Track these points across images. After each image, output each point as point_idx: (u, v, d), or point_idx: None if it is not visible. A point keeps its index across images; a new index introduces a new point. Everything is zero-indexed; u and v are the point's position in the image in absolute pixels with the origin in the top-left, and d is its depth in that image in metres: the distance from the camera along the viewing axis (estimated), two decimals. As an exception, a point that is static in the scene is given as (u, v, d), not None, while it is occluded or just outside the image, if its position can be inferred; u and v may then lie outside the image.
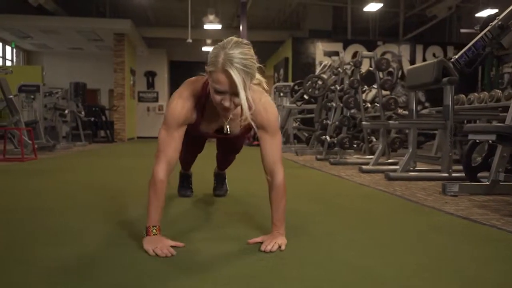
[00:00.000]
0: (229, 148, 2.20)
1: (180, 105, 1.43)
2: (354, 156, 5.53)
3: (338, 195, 2.67)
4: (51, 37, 12.10)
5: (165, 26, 14.06)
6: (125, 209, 2.10)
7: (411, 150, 3.47)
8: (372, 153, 5.38)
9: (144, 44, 13.77)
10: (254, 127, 1.48)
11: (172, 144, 1.43)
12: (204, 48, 14.87)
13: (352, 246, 1.45)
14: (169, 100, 1.48)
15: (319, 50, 11.87)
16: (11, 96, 6.17)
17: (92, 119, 10.03)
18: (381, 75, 4.81)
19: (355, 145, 5.93)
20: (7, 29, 11.05)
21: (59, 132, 8.11)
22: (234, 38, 1.31)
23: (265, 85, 1.52)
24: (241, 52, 1.25)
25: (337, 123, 4.94)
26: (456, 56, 2.67)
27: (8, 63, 13.04)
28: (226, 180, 2.50)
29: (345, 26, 12.50)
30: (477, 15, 10.75)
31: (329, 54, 11.78)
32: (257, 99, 1.43)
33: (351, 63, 4.94)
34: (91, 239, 1.49)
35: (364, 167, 3.91)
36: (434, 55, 12.17)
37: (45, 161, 4.97)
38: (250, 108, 1.31)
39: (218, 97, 1.30)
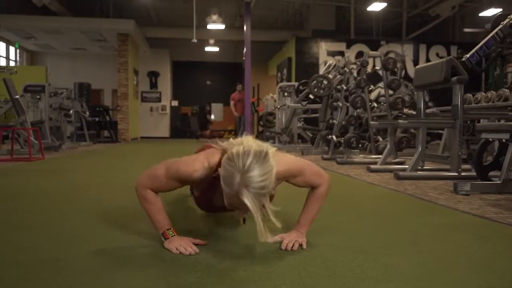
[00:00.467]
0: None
1: (190, 172, 1.35)
2: (360, 155, 5.54)
3: (351, 194, 2.67)
4: (54, 37, 12.12)
5: (168, 26, 14.08)
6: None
7: (420, 149, 3.48)
8: (378, 153, 5.39)
9: (147, 44, 13.79)
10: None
11: (163, 187, 1.40)
12: (207, 48, 14.88)
13: (376, 243, 1.46)
14: (192, 157, 1.42)
15: (323, 50, 11.88)
16: (17, 97, 6.20)
17: (97, 119, 10.04)
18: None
19: (360, 145, 5.93)
20: (11, 29, 11.06)
21: (64, 132, 8.13)
22: (252, 151, 1.17)
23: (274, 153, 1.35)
24: (258, 174, 1.14)
25: (343, 122, 4.94)
26: (468, 55, 2.67)
27: (12, 64, 13.06)
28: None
29: (348, 25, 12.50)
30: (481, 14, 10.76)
31: (332, 54, 11.78)
32: (278, 171, 1.28)
33: (358, 62, 4.94)
34: (108, 240, 1.50)
35: (372, 166, 3.92)
36: (437, 54, 12.17)
37: (52, 161, 4.99)
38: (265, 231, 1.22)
39: (230, 207, 1.24)
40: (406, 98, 7.95)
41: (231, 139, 1.36)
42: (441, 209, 2.14)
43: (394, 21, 13.01)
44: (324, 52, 11.87)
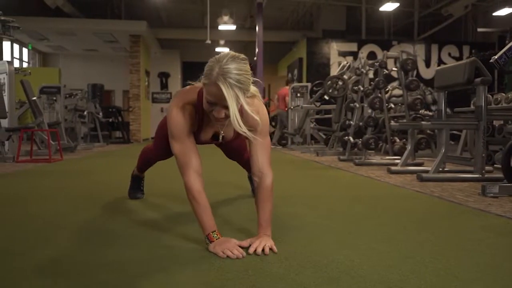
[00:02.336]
0: (235, 152, 2.19)
1: (180, 114, 1.43)
2: (375, 156, 5.51)
3: (376, 196, 2.66)
4: (67, 39, 12.22)
5: (178, 27, 14.14)
6: (164, 210, 2.13)
7: (443, 151, 3.46)
8: (396, 154, 5.37)
9: (158, 45, 13.86)
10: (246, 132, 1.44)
11: (191, 154, 1.44)
12: (218, 49, 14.91)
13: (420, 247, 1.45)
14: (168, 113, 1.47)
15: (334, 50, 11.86)
16: (34, 98, 6.25)
17: (110, 120, 10.10)
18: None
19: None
20: (25, 31, 11.17)
21: (78, 133, 8.19)
22: (231, 53, 1.32)
23: (259, 99, 1.51)
24: (235, 67, 1.26)
25: (361, 123, 4.93)
26: (496, 57, 2.65)
27: (25, 65, 13.19)
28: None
29: (359, 26, 12.46)
30: (494, 14, 10.67)
31: (343, 54, 11.77)
32: (250, 103, 1.43)
33: (376, 63, 4.93)
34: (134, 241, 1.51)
35: (393, 168, 3.90)
36: (449, 54, 12.10)
37: (71, 162, 5.03)
38: (240, 122, 1.31)
39: (210, 108, 1.33)
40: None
41: None
42: (473, 212, 2.12)
43: (406, 21, 12.95)
44: (335, 53, 11.85)
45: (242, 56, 1.32)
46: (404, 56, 4.85)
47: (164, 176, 3.34)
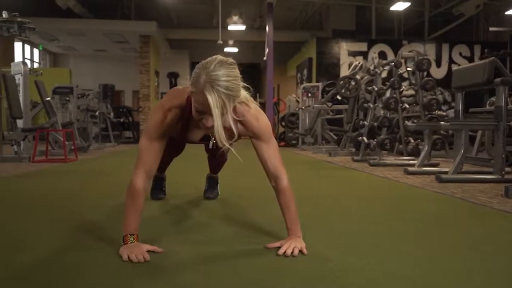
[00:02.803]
0: (218, 151, 2.12)
1: (162, 116, 1.41)
2: (389, 157, 5.48)
3: (397, 197, 2.65)
4: (77, 39, 12.31)
5: (188, 27, 14.18)
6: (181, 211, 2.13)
7: (462, 151, 3.43)
8: (410, 154, 5.33)
9: (167, 46, 13.91)
10: (242, 136, 1.45)
11: (152, 155, 1.43)
12: (226, 49, 14.93)
13: (451, 250, 1.44)
14: (153, 110, 1.48)
15: (343, 50, 11.82)
16: (48, 99, 6.30)
17: (121, 120, 10.16)
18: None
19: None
20: (36, 32, 11.24)
21: (90, 133, 8.24)
22: (219, 57, 1.26)
23: (251, 102, 1.45)
24: (223, 73, 1.21)
25: (375, 124, 4.90)
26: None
27: (36, 66, 13.29)
28: (219, 184, 2.46)
29: (369, 25, 12.42)
30: (507, 13, 10.57)
31: (353, 54, 11.72)
32: (246, 110, 1.41)
33: (391, 63, 4.90)
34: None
35: (410, 168, 3.87)
36: (460, 54, 12.01)
37: (86, 161, 5.06)
38: (232, 132, 1.29)
39: (199, 116, 1.29)
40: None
41: None
42: (500, 214, 2.10)
43: (416, 20, 12.87)
44: (345, 53, 11.81)
45: (231, 60, 1.27)
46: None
47: (188, 179, 3.34)
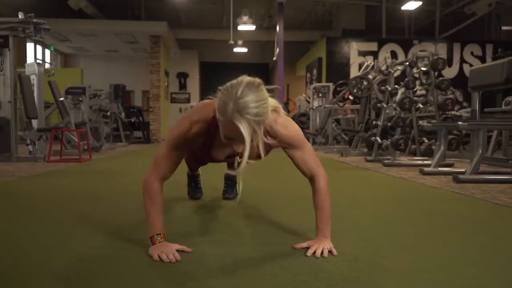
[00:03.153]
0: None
1: (188, 127, 1.38)
2: (401, 157, 5.45)
3: (417, 198, 2.63)
4: (89, 39, 12.39)
5: (197, 27, 14.21)
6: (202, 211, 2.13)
7: (480, 152, 3.40)
8: (424, 155, 5.30)
9: (177, 46, 13.95)
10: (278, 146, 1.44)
11: (169, 164, 1.42)
12: (236, 49, 14.95)
13: (479, 250, 1.43)
14: (180, 119, 1.46)
15: (354, 50, 11.77)
16: (62, 99, 6.36)
17: (133, 120, 10.22)
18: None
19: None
20: (48, 32, 11.36)
21: (102, 133, 8.30)
22: (245, 80, 1.20)
23: (281, 111, 1.43)
24: (252, 99, 1.15)
25: (389, 124, 4.88)
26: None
27: (47, 66, 13.41)
28: (237, 184, 2.42)
29: (378, 25, 12.34)
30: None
31: (363, 53, 11.68)
32: (273, 121, 1.38)
33: (406, 63, 4.87)
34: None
35: (425, 169, 3.85)
36: (472, 53, 11.91)
37: (100, 161, 5.08)
38: (259, 156, 1.27)
39: (228, 142, 1.26)
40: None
41: None
42: (524, 215, 2.08)
43: (427, 19, 12.78)
44: (355, 52, 11.76)
45: (258, 81, 1.21)
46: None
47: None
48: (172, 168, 1.44)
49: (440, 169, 3.89)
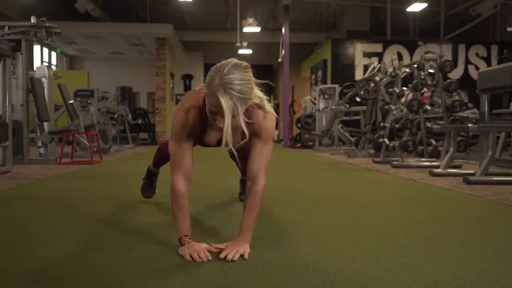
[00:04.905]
0: (241, 156, 2.01)
1: (184, 116, 1.44)
2: (408, 158, 5.48)
3: (431, 199, 2.67)
4: (95, 42, 12.48)
5: (202, 29, 14.29)
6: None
7: (490, 153, 3.43)
8: (431, 156, 5.33)
9: (182, 48, 14.02)
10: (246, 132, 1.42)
11: (184, 156, 1.45)
12: (240, 51, 15.00)
13: (502, 251, 1.47)
14: (174, 113, 1.49)
15: (358, 51, 11.80)
16: (72, 101, 6.41)
17: (140, 121, 10.28)
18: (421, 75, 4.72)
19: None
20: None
21: (109, 135, 8.36)
22: (233, 61, 1.29)
23: (266, 104, 1.44)
24: (237, 77, 1.24)
25: (397, 126, 4.92)
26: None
27: (53, 68, 13.49)
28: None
29: (383, 26, 12.38)
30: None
31: (368, 55, 11.70)
32: (259, 111, 1.43)
33: (414, 65, 4.90)
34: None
35: (435, 170, 3.88)
36: (477, 54, 11.91)
37: (111, 164, 5.14)
38: (243, 133, 1.30)
39: (213, 117, 1.32)
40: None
41: None
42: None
43: (431, 21, 12.81)
44: (360, 54, 11.79)
45: (245, 64, 1.30)
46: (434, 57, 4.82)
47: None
48: (189, 160, 1.47)
49: (450, 170, 3.93)
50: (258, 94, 1.39)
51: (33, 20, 4.88)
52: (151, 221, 1.96)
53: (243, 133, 1.30)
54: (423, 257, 1.39)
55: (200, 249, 1.36)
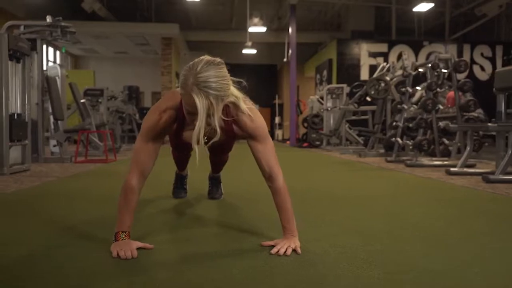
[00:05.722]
0: (217, 150, 1.94)
1: (157, 117, 1.42)
2: (421, 158, 5.51)
3: (456, 198, 2.69)
4: (100, 42, 12.50)
5: (207, 29, 14.31)
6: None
7: (510, 152, 3.46)
8: (444, 155, 5.36)
9: (187, 47, 14.05)
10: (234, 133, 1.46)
11: (146, 155, 1.44)
12: (245, 51, 15.03)
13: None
14: (149, 111, 1.49)
15: (364, 51, 11.83)
16: (83, 101, 6.44)
17: (147, 121, 10.29)
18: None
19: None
20: (61, 34, 11.45)
21: (118, 134, 8.38)
22: (206, 58, 1.27)
23: (241, 102, 1.42)
24: (211, 74, 1.22)
25: (410, 125, 4.95)
26: None
27: (59, 68, 13.49)
28: (222, 183, 2.47)
29: (387, 26, 12.42)
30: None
31: (374, 55, 11.74)
32: (239, 111, 1.42)
33: (429, 65, 4.94)
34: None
35: (452, 169, 3.91)
36: (482, 54, 11.95)
37: (125, 162, 5.15)
38: (221, 129, 1.29)
39: (190, 118, 1.31)
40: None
41: None
42: None
43: (436, 21, 12.84)
44: (365, 54, 11.82)
45: (218, 60, 1.28)
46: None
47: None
48: (150, 160, 1.45)
49: (466, 169, 3.95)
50: (233, 92, 1.36)
51: (48, 19, 4.90)
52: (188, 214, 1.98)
53: (216, 131, 1.28)
54: (473, 252, 1.42)
55: (129, 248, 1.34)
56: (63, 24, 4.90)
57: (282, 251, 1.35)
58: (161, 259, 1.32)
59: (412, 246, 1.49)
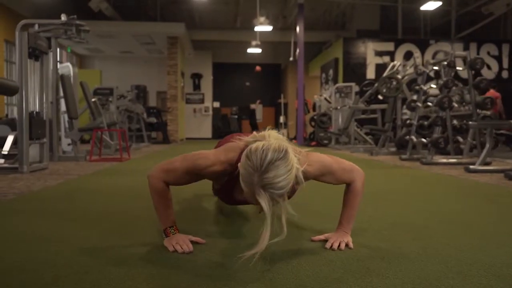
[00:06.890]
0: None
1: (209, 164, 1.35)
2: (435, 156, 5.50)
3: (489, 194, 2.69)
4: (105, 41, 12.47)
5: (211, 28, 14.30)
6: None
7: (532, 149, 3.45)
8: (458, 153, 5.35)
9: (191, 47, 14.03)
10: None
11: (175, 180, 1.40)
12: (249, 50, 15.02)
13: None
14: (212, 152, 1.40)
15: (370, 50, 11.81)
16: (94, 99, 6.43)
17: (154, 120, 10.30)
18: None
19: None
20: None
21: (127, 134, 8.38)
22: (272, 146, 1.13)
23: (300, 171, 1.23)
24: (277, 174, 1.10)
25: (425, 123, 4.94)
26: None
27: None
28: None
29: (392, 25, 12.40)
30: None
31: (380, 54, 11.72)
32: (308, 170, 1.33)
33: (444, 63, 4.93)
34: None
35: (471, 167, 3.91)
36: (488, 53, 11.92)
37: (139, 161, 5.15)
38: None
39: (243, 193, 1.22)
40: (456, 98, 7.89)
41: (254, 133, 1.38)
42: None
43: (442, 19, 12.82)
44: (371, 53, 11.80)
45: (284, 148, 1.15)
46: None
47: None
48: (178, 184, 1.43)
49: (486, 167, 3.95)
50: (289, 148, 1.19)
51: (63, 18, 4.89)
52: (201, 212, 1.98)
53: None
54: (498, 252, 1.39)
55: (184, 241, 1.35)
56: (77, 22, 4.88)
57: (335, 245, 1.36)
58: (224, 255, 1.31)
59: (468, 242, 1.49)
